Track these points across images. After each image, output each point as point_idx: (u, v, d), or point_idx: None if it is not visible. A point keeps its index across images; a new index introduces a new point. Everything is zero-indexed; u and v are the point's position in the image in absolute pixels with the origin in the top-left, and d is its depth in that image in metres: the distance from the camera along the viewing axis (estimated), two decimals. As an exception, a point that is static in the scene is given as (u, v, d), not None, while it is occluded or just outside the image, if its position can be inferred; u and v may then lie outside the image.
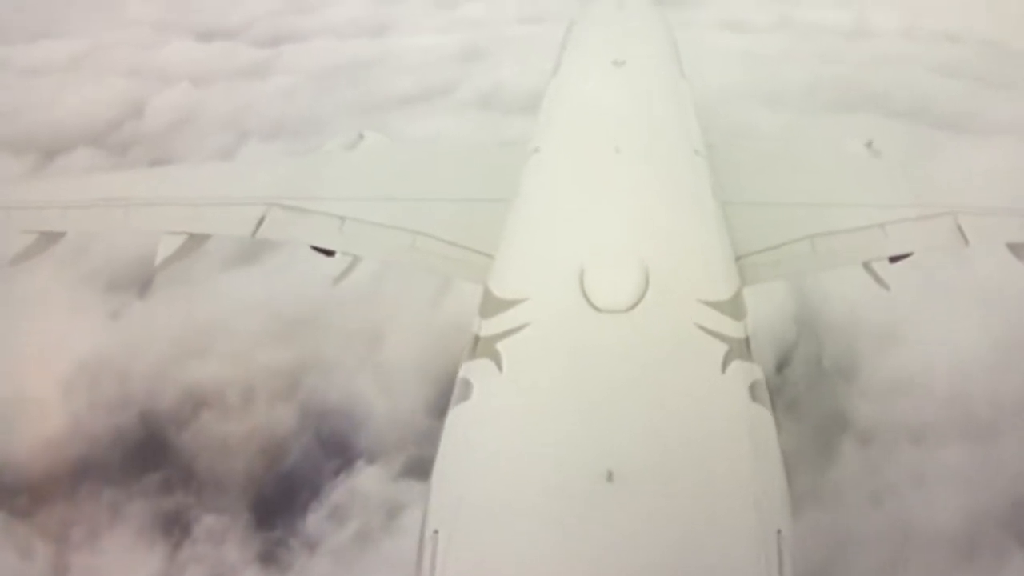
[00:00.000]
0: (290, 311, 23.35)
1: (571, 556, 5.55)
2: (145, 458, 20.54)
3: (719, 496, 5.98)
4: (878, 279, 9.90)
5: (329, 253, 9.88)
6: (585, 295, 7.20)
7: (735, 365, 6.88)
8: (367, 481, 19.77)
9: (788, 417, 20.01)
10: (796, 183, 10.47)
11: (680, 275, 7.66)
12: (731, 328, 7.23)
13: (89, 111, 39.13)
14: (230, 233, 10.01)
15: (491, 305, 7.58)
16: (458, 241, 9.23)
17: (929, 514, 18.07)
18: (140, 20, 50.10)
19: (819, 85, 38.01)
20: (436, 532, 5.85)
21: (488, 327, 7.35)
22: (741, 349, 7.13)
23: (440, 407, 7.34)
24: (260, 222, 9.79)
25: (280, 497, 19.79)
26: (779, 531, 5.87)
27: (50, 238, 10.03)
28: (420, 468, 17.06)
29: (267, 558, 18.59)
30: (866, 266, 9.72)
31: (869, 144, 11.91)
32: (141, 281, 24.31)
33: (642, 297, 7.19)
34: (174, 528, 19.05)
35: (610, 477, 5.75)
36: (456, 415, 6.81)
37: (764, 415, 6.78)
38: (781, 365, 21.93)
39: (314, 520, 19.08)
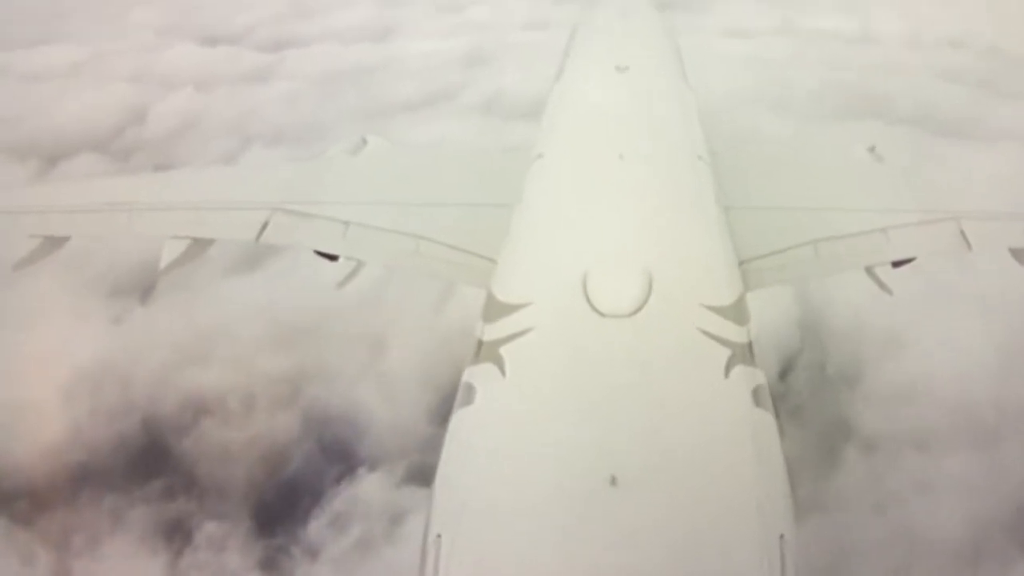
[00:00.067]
0: (292, 317, 23.34)
1: (574, 560, 5.53)
2: (147, 464, 20.52)
3: (722, 501, 5.96)
4: (881, 284, 9.83)
5: (332, 258, 9.86)
6: (588, 300, 7.20)
7: (738, 370, 6.88)
8: (369, 488, 19.71)
9: (792, 423, 19.96)
10: (799, 188, 10.48)
11: (683, 280, 7.67)
12: (734, 333, 7.23)
13: (92, 117, 39.20)
14: (234, 238, 10.02)
15: (494, 309, 7.58)
16: (461, 246, 9.22)
17: (933, 521, 17.98)
18: (143, 25, 50.35)
19: (824, 91, 38.07)
20: (439, 536, 5.84)
21: (491, 331, 7.35)
22: (744, 354, 7.12)
23: (442, 414, 7.33)
24: (264, 227, 9.79)
25: (282, 504, 19.72)
26: (782, 536, 5.85)
27: (54, 243, 10.02)
28: (422, 475, 17.04)
29: (268, 565, 18.54)
30: (869, 271, 9.67)
31: (872, 149, 11.92)
32: (143, 287, 24.27)
33: (645, 302, 7.19)
34: (175, 535, 19.01)
35: (613, 481, 5.74)
36: (459, 419, 6.79)
37: (767, 420, 6.77)
38: (785, 372, 21.87)
39: (316, 527, 19.01)
